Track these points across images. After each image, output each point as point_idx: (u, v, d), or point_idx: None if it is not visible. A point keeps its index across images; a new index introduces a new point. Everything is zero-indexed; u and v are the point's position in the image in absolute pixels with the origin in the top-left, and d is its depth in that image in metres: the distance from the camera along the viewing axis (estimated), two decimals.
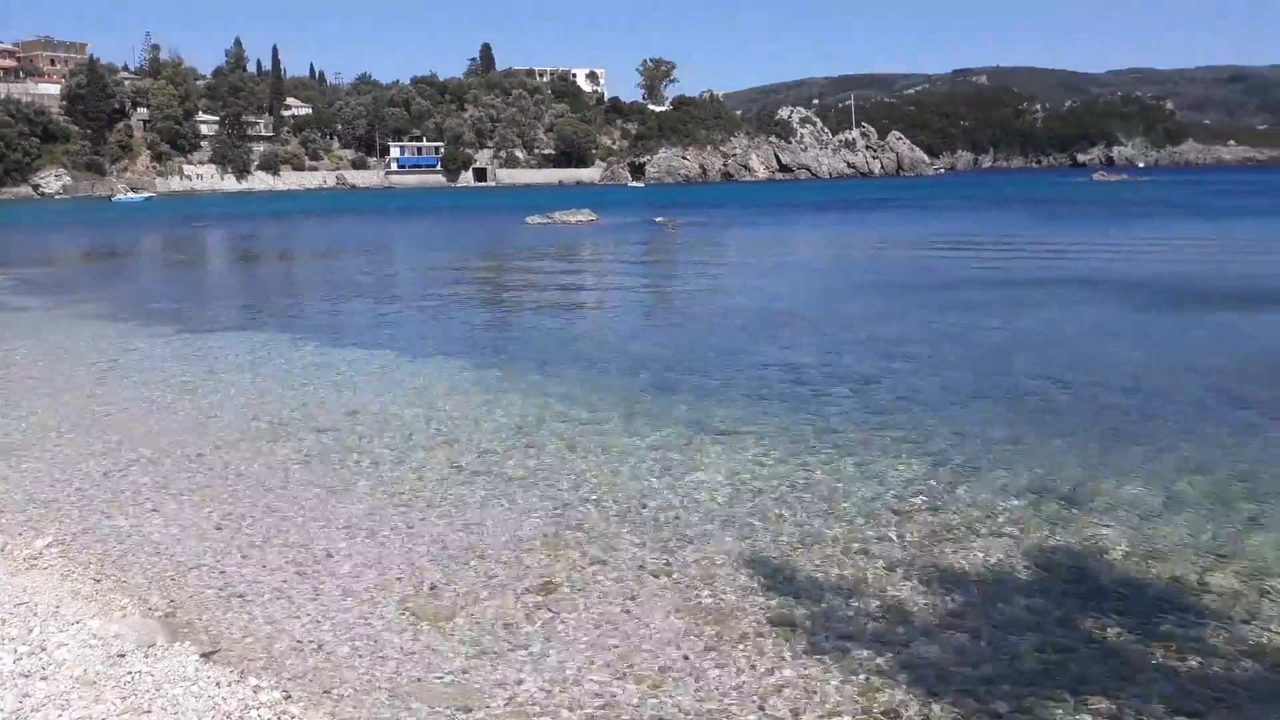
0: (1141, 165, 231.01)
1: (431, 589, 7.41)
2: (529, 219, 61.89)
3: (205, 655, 6.24)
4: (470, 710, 5.72)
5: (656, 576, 7.59)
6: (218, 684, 5.79)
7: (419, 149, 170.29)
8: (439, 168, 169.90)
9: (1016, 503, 9.05)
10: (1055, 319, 19.93)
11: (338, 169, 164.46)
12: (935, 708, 5.67)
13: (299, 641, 6.58)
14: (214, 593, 7.41)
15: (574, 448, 11.12)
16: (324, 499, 9.55)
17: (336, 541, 8.42)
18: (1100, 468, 9.97)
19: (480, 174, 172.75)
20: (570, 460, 10.66)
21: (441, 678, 6.08)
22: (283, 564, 7.96)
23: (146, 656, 6.11)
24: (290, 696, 5.76)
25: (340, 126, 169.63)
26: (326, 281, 33.78)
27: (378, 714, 5.67)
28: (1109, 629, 6.60)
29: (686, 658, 6.32)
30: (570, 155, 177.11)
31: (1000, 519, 8.66)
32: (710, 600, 7.16)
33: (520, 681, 6.03)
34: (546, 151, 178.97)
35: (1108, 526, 8.41)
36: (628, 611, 6.99)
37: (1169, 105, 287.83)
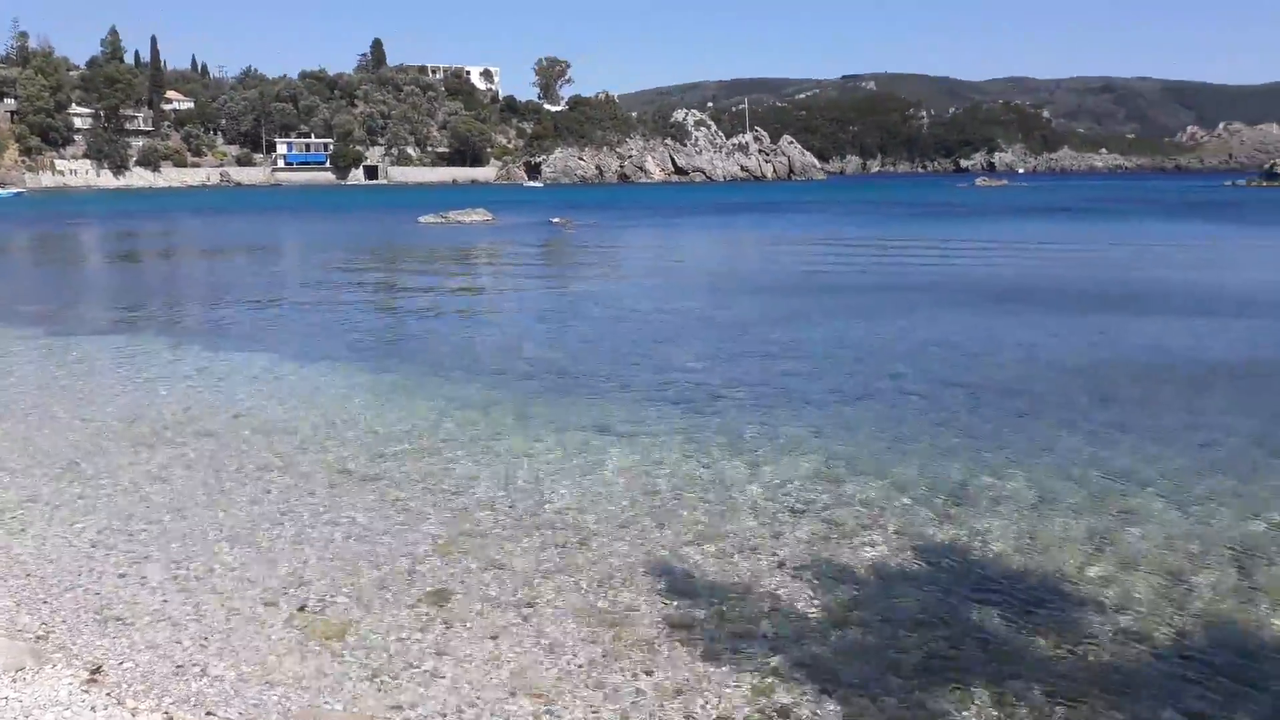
0: (1021, 171, 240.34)
1: (320, 603, 7.21)
2: (423, 218, 60.97)
3: (86, 680, 5.94)
4: None
5: (553, 581, 7.55)
6: (93, 709, 5.53)
7: (307, 145, 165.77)
8: (328, 165, 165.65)
9: (903, 500, 9.30)
10: (940, 320, 20.55)
11: (222, 165, 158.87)
12: (827, 705, 5.78)
13: (180, 665, 6.32)
14: (90, 615, 7.06)
15: (469, 452, 10.98)
16: (207, 509, 9.21)
17: (221, 555, 8.13)
18: (982, 465, 10.33)
19: (371, 172, 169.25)
20: (465, 464, 10.52)
21: (331, 704, 5.90)
22: (163, 581, 7.64)
23: (14, 681, 5.79)
24: None
25: (224, 122, 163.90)
26: (210, 282, 32.64)
27: None
28: (992, 620, 6.84)
29: (582, 665, 6.30)
30: (465, 154, 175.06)
31: (888, 516, 8.89)
32: (608, 604, 7.15)
33: (414, 704, 5.89)
34: (440, 150, 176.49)
35: (990, 521, 8.72)
36: (524, 619, 6.94)
37: (1045, 114, 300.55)
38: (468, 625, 6.84)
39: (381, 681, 6.12)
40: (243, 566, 7.88)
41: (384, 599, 7.26)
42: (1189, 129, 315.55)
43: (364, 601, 7.21)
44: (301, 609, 7.09)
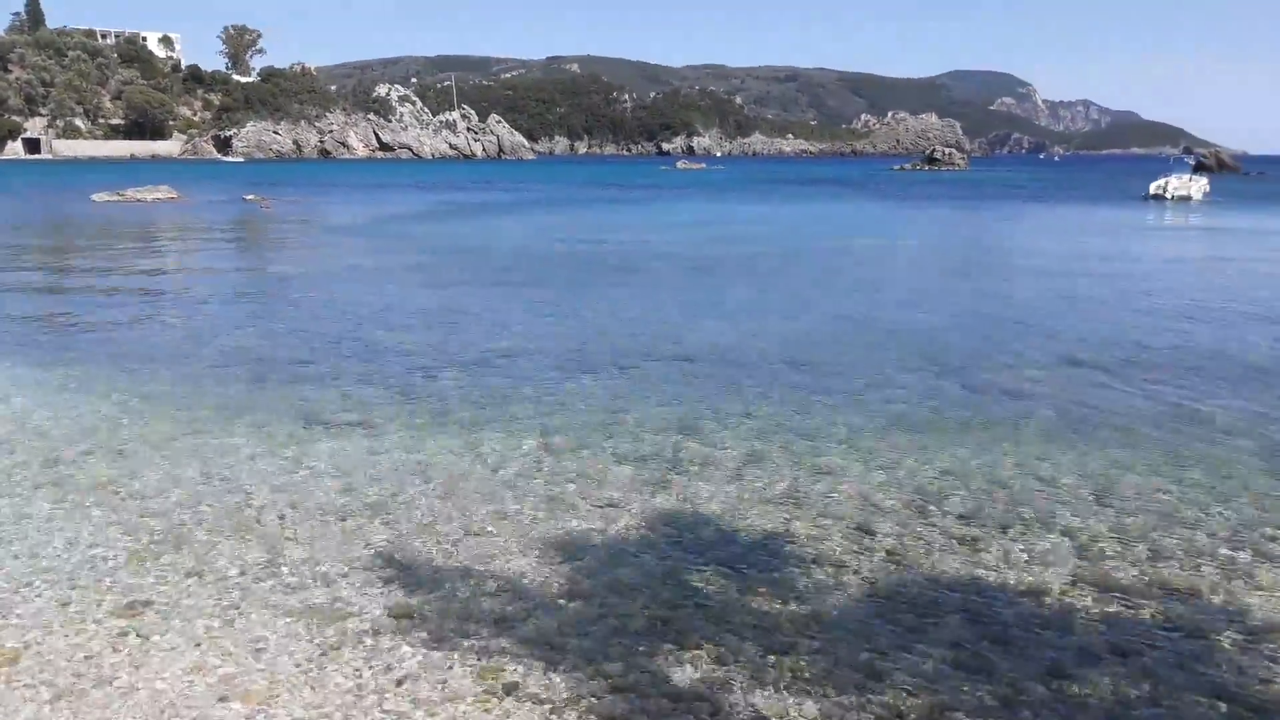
0: (718, 155, 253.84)
1: None
2: (96, 196, 55.33)
3: None
4: None
5: (263, 583, 7.10)
6: None
7: None
8: None
9: (622, 470, 9.55)
10: (651, 295, 21.28)
11: None
12: (554, 677, 5.83)
13: None
14: None
15: (162, 451, 10.09)
16: None
17: None
18: (692, 432, 10.81)
19: (32, 145, 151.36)
20: (158, 465, 9.66)
21: None
22: None
23: None
24: None
25: None
26: None
27: None
28: (708, 581, 7.17)
29: (299, 664, 5.97)
30: (144, 127, 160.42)
31: (606, 488, 9.09)
32: (324, 600, 6.82)
33: None
34: (115, 122, 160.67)
35: (702, 486, 9.14)
36: (231, 623, 6.47)
37: (738, 100, 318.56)
38: (168, 635, 6.29)
39: (68, 703, 5.50)
40: None
41: (67, 617, 6.52)
42: (863, 117, 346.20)
43: (43, 622, 6.44)
44: None
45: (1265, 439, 10.72)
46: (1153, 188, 65.46)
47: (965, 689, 5.75)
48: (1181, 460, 9.96)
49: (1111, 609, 6.79)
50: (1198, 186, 64.37)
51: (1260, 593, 7.05)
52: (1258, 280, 24.83)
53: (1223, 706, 5.62)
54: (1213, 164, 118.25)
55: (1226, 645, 6.31)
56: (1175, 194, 63.39)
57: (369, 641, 6.26)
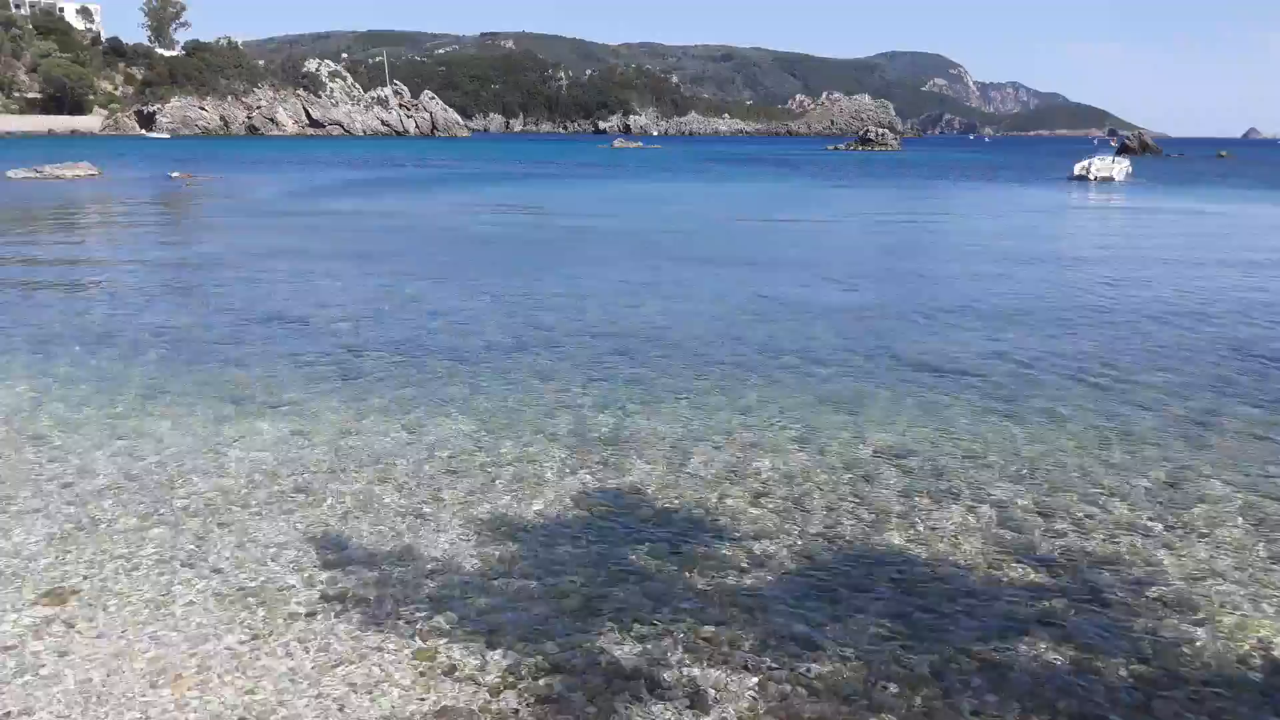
0: (655, 134, 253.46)
1: None
2: (12, 173, 53.43)
3: None
4: None
5: (192, 567, 6.97)
6: None
7: None
8: None
9: (556, 450, 9.54)
10: (585, 277, 21.23)
11: None
12: (492, 656, 5.82)
13: None
14: None
15: (83, 435, 9.82)
16: None
17: None
18: (628, 411, 10.83)
19: None
20: (79, 449, 9.40)
21: None
22: None
23: None
24: None
25: None
26: None
27: None
28: (645, 559, 7.21)
29: (230, 650, 5.88)
30: (62, 101, 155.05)
31: (546, 468, 9.08)
32: (255, 584, 6.72)
33: (29, 710, 5.23)
34: (31, 96, 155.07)
35: (639, 464, 9.17)
36: (160, 609, 6.34)
37: (674, 79, 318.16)
38: (93, 623, 6.15)
39: None
40: None
41: None
42: (798, 97, 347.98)
43: None
44: None
45: (1186, 411, 11.08)
46: (1077, 169, 67.03)
47: (897, 659, 5.88)
48: (1104, 433, 10.26)
49: (1036, 578, 6.98)
50: (1120, 168, 66.10)
51: (1177, 561, 7.30)
52: (1173, 258, 25.58)
53: (1141, 670, 5.83)
54: (1136, 146, 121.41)
55: (1144, 613, 6.54)
56: (1098, 175, 65.02)
57: (303, 625, 6.19)
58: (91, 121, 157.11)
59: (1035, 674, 5.76)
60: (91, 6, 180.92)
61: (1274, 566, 7.22)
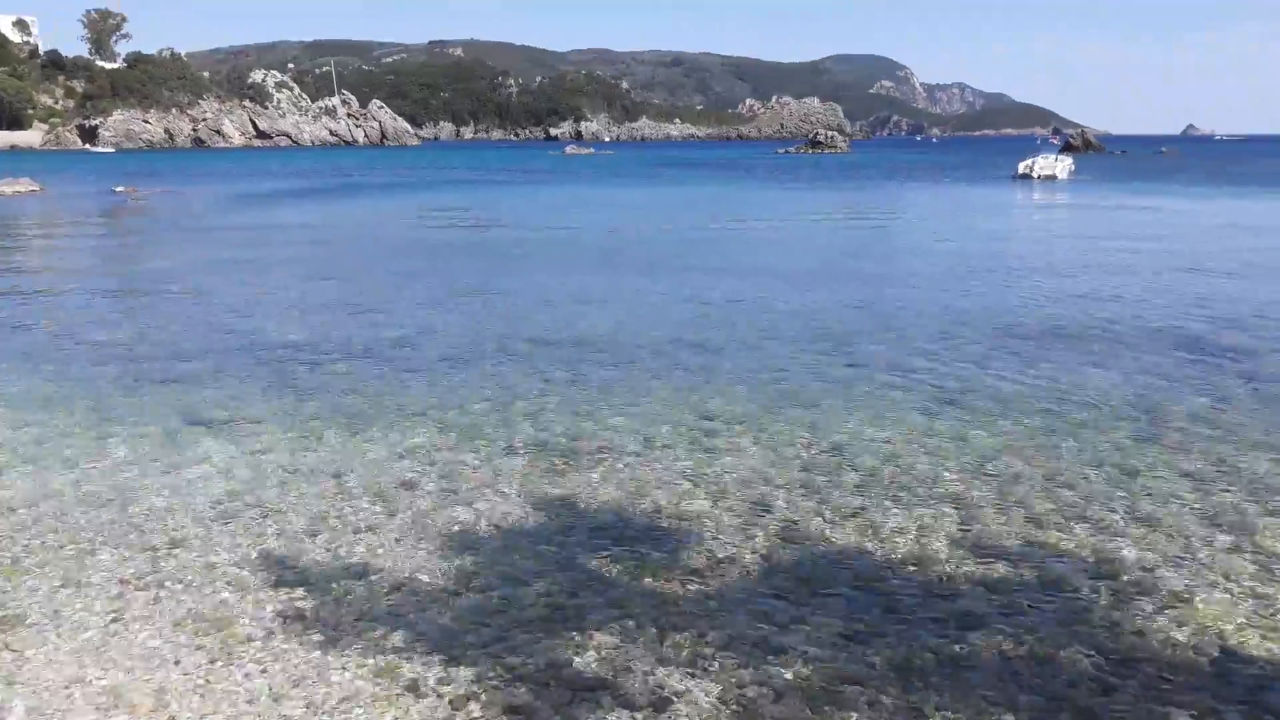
0: (607, 139, 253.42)
1: None
2: None
3: None
4: None
5: (145, 590, 6.82)
6: None
7: None
8: None
9: (514, 459, 9.48)
10: (539, 285, 21.16)
11: None
12: (455, 670, 5.76)
13: None
14: None
15: (28, 457, 9.59)
16: None
17: None
18: (587, 417, 10.80)
19: None
20: (25, 471, 9.17)
21: None
22: None
23: None
24: None
25: None
26: None
27: None
28: (606, 566, 7.18)
29: (187, 673, 5.76)
30: (0, 116, 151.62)
31: (503, 477, 9.02)
32: (211, 607, 6.59)
33: None
34: None
35: (598, 470, 9.14)
36: (113, 635, 6.20)
37: (625, 85, 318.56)
38: (44, 649, 5.99)
39: None
40: None
41: None
42: (748, 101, 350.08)
43: None
44: None
45: (1135, 404, 11.28)
46: (1020, 168, 68.16)
47: (860, 659, 5.91)
48: (1057, 427, 10.41)
49: (995, 573, 7.06)
50: (1063, 166, 67.32)
51: (1132, 550, 7.42)
52: (1113, 255, 26.08)
53: (1099, 659, 5.91)
54: (1080, 144, 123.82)
55: (1101, 603, 6.64)
56: (1041, 173, 66.19)
57: (260, 645, 6.08)
58: (31, 136, 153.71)
59: (997, 668, 5.82)
60: (28, 19, 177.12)
61: (1228, 555, 7.37)
